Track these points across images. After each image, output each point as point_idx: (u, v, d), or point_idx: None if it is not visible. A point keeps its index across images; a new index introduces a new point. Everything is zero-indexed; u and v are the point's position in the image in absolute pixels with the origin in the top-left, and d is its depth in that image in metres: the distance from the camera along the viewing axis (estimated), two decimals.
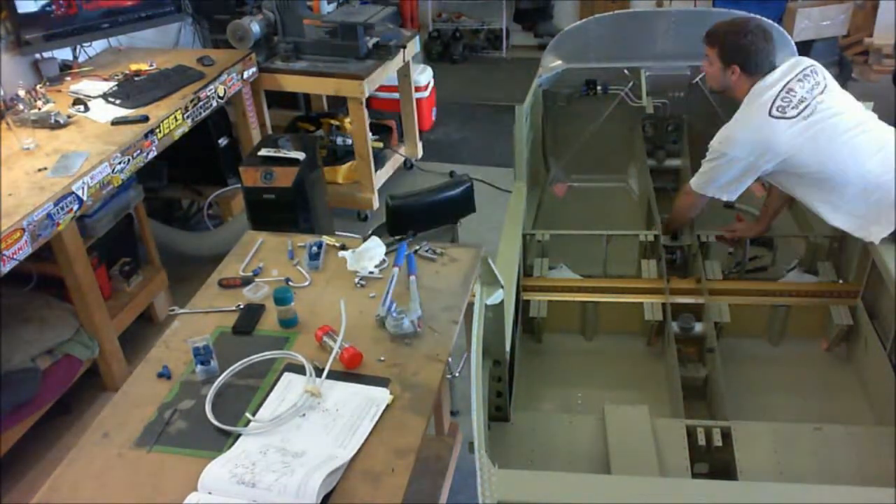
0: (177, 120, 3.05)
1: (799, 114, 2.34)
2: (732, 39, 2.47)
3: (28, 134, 2.76)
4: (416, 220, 2.75)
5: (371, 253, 1.99)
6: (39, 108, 2.93)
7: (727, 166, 2.42)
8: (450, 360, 1.78)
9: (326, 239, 2.09)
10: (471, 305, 1.80)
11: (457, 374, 2.62)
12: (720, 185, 2.48)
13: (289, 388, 1.62)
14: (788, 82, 2.39)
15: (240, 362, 1.68)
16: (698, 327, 2.48)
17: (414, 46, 4.13)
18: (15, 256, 2.29)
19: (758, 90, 2.43)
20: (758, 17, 2.66)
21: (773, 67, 2.46)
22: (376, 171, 4.01)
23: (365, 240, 2.05)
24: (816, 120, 2.34)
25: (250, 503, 1.35)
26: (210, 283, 1.98)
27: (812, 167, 2.34)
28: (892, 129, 2.45)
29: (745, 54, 2.45)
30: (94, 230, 2.83)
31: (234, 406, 1.59)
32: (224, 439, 1.51)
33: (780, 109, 2.35)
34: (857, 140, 2.35)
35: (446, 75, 5.54)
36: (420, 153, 4.51)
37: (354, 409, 1.55)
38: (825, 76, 2.46)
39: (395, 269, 1.94)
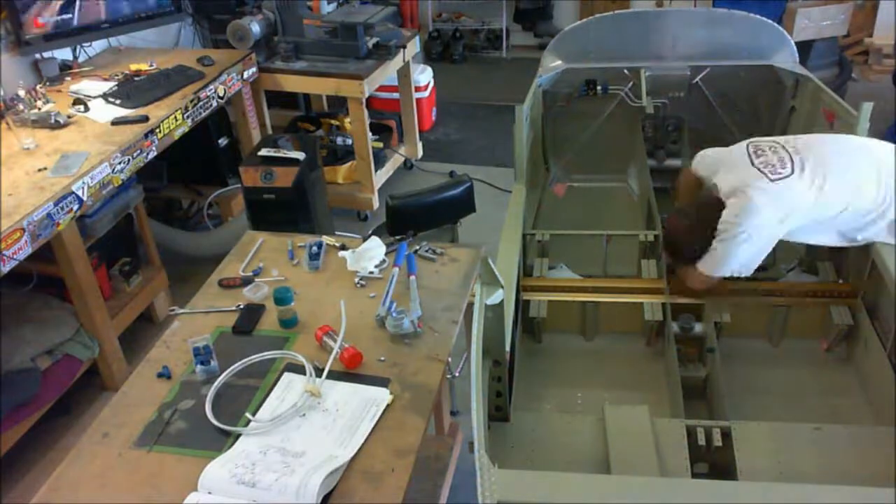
0: (177, 120, 3.05)
1: (793, 170, 2.24)
2: (680, 241, 2.43)
3: (28, 134, 2.76)
4: (416, 220, 2.75)
5: (371, 253, 1.99)
6: (39, 108, 2.93)
7: (748, 240, 2.24)
8: (450, 360, 1.78)
9: (326, 239, 2.09)
10: (471, 305, 1.80)
11: (457, 374, 2.62)
12: (740, 262, 2.29)
13: (289, 388, 1.62)
14: (751, 162, 2.30)
15: (240, 362, 1.68)
16: (698, 327, 2.48)
17: (414, 46, 4.13)
18: (15, 256, 2.29)
19: (731, 179, 2.31)
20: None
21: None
22: (376, 171, 4.01)
23: (365, 240, 2.05)
24: (813, 164, 2.25)
25: (250, 503, 1.36)
26: (210, 283, 1.98)
27: (837, 207, 2.25)
28: (859, 138, 2.45)
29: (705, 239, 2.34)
30: (94, 230, 2.83)
31: (234, 406, 1.59)
32: (224, 439, 1.51)
33: (773, 173, 2.25)
34: (854, 164, 2.30)
35: (446, 75, 5.54)
36: (420, 153, 4.51)
37: (354, 409, 1.55)
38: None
39: (395, 269, 1.94)
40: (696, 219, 2.38)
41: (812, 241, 2.40)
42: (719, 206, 2.32)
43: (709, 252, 2.32)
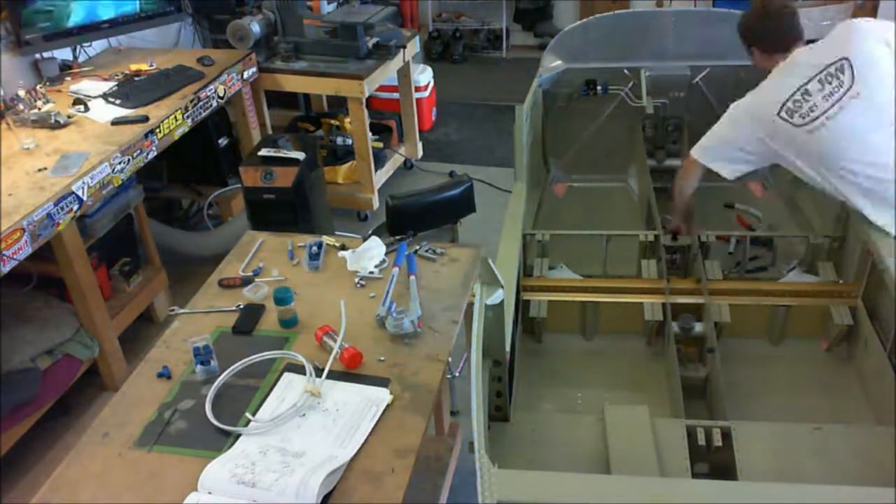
0: (177, 120, 3.05)
1: (804, 124, 2.24)
2: (744, 23, 2.50)
3: (28, 134, 2.76)
4: (416, 220, 2.75)
5: (371, 253, 1.99)
6: (39, 108, 2.93)
7: (732, 136, 2.37)
8: (450, 360, 1.78)
9: (326, 239, 2.10)
10: (471, 305, 1.80)
11: (457, 374, 2.62)
12: (720, 154, 2.40)
13: (289, 388, 1.62)
14: (808, 81, 2.26)
15: (240, 362, 1.68)
16: (698, 327, 2.47)
17: (414, 46, 4.13)
18: (15, 256, 2.29)
19: (779, 71, 2.36)
20: None
21: (794, 41, 2.37)
22: (376, 171, 4.01)
23: (365, 240, 2.05)
24: (820, 137, 2.23)
25: (250, 503, 1.36)
26: (210, 283, 1.98)
27: (809, 174, 2.30)
28: None
29: (755, 36, 2.45)
30: (94, 230, 2.83)
31: (234, 406, 1.59)
32: (224, 439, 1.51)
33: (788, 112, 2.27)
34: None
35: (446, 75, 5.54)
36: (420, 153, 4.51)
37: (354, 409, 1.55)
38: (862, 68, 2.23)
39: (395, 269, 1.94)
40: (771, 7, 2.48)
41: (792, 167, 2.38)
42: (794, 29, 2.42)
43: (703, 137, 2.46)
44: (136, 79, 3.26)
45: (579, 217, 3.38)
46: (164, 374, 1.68)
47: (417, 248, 2.03)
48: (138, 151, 2.84)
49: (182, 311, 1.89)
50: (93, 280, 2.77)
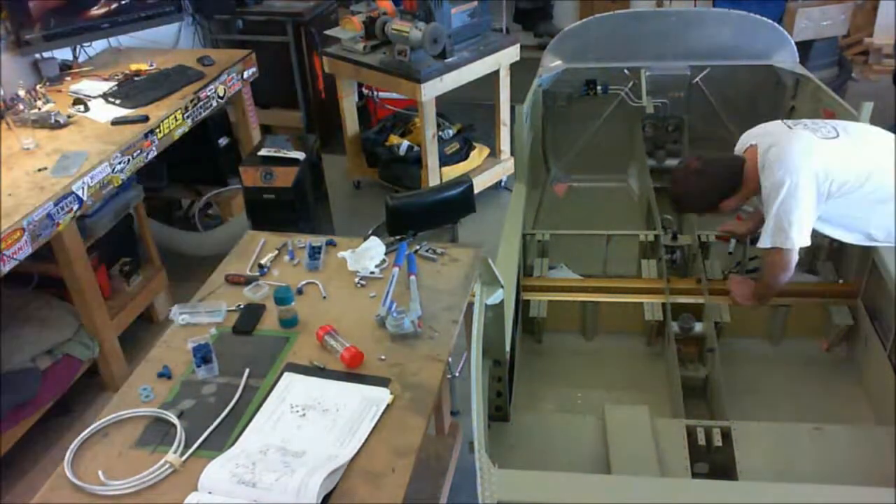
0: (177, 120, 3.05)
1: (835, 135, 2.15)
2: (695, 192, 2.30)
3: (28, 134, 2.76)
4: (416, 220, 2.74)
5: (371, 253, 1.99)
6: (39, 108, 2.92)
7: (796, 198, 2.06)
8: (450, 360, 1.78)
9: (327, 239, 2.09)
10: (471, 305, 1.80)
11: (457, 374, 2.62)
12: (800, 224, 2.08)
13: (289, 388, 1.62)
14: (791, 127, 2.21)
15: (240, 362, 1.68)
16: (698, 327, 2.48)
17: None
18: (15, 256, 2.29)
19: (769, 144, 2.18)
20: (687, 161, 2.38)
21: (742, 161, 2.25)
22: None
23: (365, 240, 2.05)
24: (852, 132, 2.18)
25: (250, 503, 1.36)
26: (210, 283, 1.98)
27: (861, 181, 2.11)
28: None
29: (719, 192, 2.27)
30: (94, 230, 2.83)
31: (235, 405, 1.59)
32: (224, 439, 1.51)
33: (817, 133, 2.16)
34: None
35: None
36: None
37: (355, 409, 1.55)
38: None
39: (395, 269, 1.94)
40: (707, 173, 2.26)
41: (837, 235, 2.23)
42: (735, 161, 2.24)
43: (763, 229, 2.14)
44: (136, 79, 3.26)
45: (579, 217, 3.38)
46: (165, 374, 1.68)
47: (417, 248, 2.03)
48: (138, 151, 2.84)
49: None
50: (93, 280, 2.77)
